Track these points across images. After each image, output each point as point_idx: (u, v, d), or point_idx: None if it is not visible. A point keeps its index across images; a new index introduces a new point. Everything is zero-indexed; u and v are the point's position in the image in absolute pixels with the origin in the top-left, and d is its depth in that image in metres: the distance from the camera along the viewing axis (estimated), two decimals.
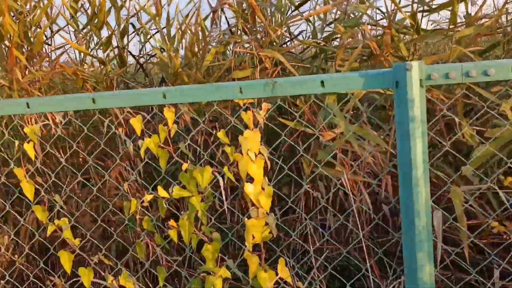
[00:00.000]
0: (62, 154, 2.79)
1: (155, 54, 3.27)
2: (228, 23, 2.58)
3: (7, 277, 1.58)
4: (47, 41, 2.85)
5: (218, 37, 2.37)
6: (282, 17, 2.40)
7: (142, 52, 3.29)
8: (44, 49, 2.95)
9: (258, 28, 2.28)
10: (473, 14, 2.08)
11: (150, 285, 2.03)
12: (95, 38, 3.00)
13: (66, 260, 1.55)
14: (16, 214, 2.09)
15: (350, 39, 1.97)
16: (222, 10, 2.46)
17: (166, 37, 2.50)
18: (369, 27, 2.73)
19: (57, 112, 2.58)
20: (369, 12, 4.91)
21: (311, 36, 2.61)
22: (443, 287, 1.94)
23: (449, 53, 1.76)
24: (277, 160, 1.39)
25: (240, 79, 2.23)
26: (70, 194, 2.56)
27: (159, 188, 1.37)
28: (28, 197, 1.54)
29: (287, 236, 2.32)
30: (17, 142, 1.55)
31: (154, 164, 1.53)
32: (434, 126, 2.25)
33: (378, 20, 2.20)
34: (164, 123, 1.70)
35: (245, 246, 1.49)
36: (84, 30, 2.83)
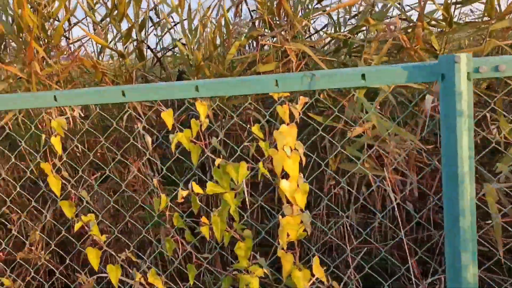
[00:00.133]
0: (80, 148, 2.76)
1: (173, 48, 3.24)
2: (251, 15, 2.53)
3: (32, 274, 1.56)
4: (64, 33, 2.82)
5: (240, 30, 2.33)
6: (305, 10, 2.35)
7: (159, 46, 3.26)
8: (61, 42, 2.92)
9: (281, 21, 2.24)
10: (504, 7, 2.02)
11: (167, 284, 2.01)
12: (114, 31, 2.97)
13: (93, 257, 1.53)
14: (38, 210, 2.07)
15: (382, 32, 1.92)
16: (245, 1, 2.41)
17: (187, 30, 2.46)
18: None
19: (77, 105, 2.56)
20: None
21: (333, 30, 2.57)
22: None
23: (484, 47, 1.71)
24: (311, 155, 1.36)
25: (264, 73, 2.19)
26: (89, 189, 2.54)
27: (193, 183, 1.34)
28: (55, 192, 1.52)
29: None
30: (43, 136, 1.53)
31: (183, 159, 1.49)
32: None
33: (408, 11, 2.15)
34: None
35: (277, 244, 1.45)
36: (103, 23, 2.80)
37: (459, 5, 2.00)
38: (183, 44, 3.21)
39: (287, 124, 1.31)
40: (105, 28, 2.73)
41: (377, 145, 2.10)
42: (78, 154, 2.78)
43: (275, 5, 2.13)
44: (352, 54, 2.54)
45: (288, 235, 1.37)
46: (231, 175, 1.35)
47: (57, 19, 2.72)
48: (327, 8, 2.27)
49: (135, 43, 2.84)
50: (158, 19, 3.19)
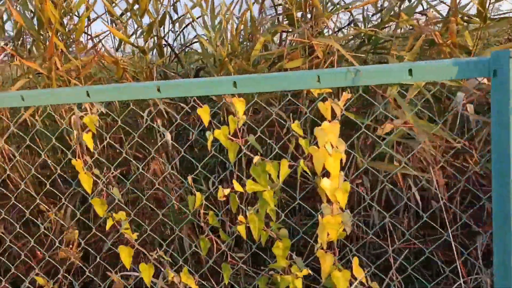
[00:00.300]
0: (98, 145, 2.74)
1: (191, 44, 3.21)
2: (275, 10, 2.51)
3: (62, 272, 1.54)
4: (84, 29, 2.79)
5: (265, 26, 2.30)
6: (332, 6, 2.32)
7: (177, 42, 3.23)
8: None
9: (306, 17, 2.21)
10: None
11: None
12: (131, 26, 2.95)
13: (126, 255, 1.51)
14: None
15: (416, 27, 1.89)
16: None
17: (210, 25, 2.44)
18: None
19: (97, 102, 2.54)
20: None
21: (361, 25, 2.53)
22: None
23: None
24: (352, 152, 1.33)
25: (291, 69, 2.16)
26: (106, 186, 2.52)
27: (234, 182, 1.32)
28: (86, 190, 1.50)
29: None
30: (75, 132, 1.50)
31: (221, 157, 1.47)
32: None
33: (436, 5, 2.11)
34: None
35: (315, 243, 1.43)
36: (122, 17, 2.77)
37: (493, 1, 1.97)
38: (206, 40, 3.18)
39: (329, 121, 1.29)
40: (125, 23, 2.71)
41: (406, 143, 2.07)
42: (97, 152, 2.76)
43: (303, 0, 2.10)
44: (376, 51, 2.51)
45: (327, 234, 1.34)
46: (271, 173, 1.32)
47: (76, 14, 2.70)
48: (355, 4, 2.23)
49: (154, 39, 2.82)
50: (176, 16, 3.17)
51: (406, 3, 2.20)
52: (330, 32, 2.50)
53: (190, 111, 2.85)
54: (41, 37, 2.61)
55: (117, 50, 3.15)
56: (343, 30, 2.55)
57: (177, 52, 3.10)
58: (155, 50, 2.85)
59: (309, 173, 1.31)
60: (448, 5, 2.08)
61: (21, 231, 1.76)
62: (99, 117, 2.72)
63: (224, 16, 2.36)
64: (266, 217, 1.37)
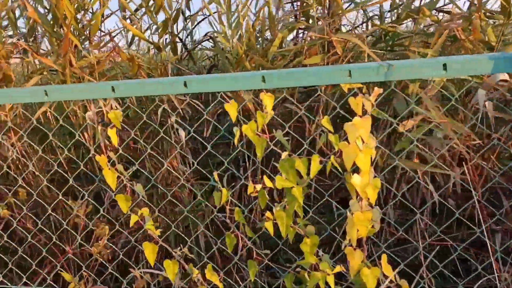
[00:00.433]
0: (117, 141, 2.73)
1: (205, 40, 3.20)
2: (293, 6, 2.49)
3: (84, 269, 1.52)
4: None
5: (284, 21, 2.29)
6: (349, 2, 2.31)
7: (189, 39, 3.22)
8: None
9: (324, 14, 2.19)
10: None
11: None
12: (148, 22, 2.94)
13: (150, 252, 1.50)
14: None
15: (441, 23, 1.87)
16: None
17: (226, 22, 2.42)
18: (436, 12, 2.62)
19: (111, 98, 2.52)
20: None
21: (377, 22, 2.52)
22: None
23: None
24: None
25: (310, 65, 2.15)
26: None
27: (265, 178, 1.30)
28: (110, 186, 1.49)
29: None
30: (99, 128, 1.49)
31: (245, 152, 1.46)
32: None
33: (456, 0, 2.09)
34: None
35: (342, 240, 1.42)
36: (136, 13, 2.76)
37: None
38: (216, 37, 3.17)
39: (361, 116, 1.27)
40: (140, 19, 2.70)
41: (425, 139, 2.05)
42: (110, 148, 2.75)
43: None
44: (393, 47, 2.49)
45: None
46: (300, 169, 1.31)
47: (90, 10, 2.69)
48: (373, 1, 2.22)
49: (168, 36, 2.81)
50: (189, 13, 3.16)
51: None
52: (347, 29, 2.48)
53: (204, 108, 2.84)
54: (56, 33, 2.60)
55: (129, 46, 3.14)
56: (357, 27, 2.53)
57: (189, 49, 3.08)
58: (168, 47, 2.84)
59: (340, 169, 1.30)
60: (469, 0, 2.06)
61: (43, 227, 1.75)
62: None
63: (241, 12, 2.35)
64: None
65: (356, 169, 1.32)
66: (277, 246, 2.32)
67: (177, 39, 2.86)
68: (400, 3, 2.55)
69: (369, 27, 2.89)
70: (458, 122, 1.89)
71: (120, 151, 1.59)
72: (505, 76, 1.96)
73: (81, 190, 1.69)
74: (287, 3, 2.73)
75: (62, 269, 1.70)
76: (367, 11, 2.63)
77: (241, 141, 2.67)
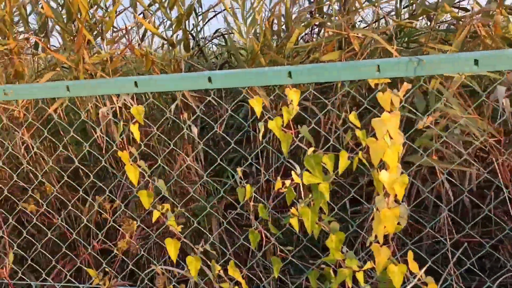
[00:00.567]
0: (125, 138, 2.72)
1: (217, 36, 3.19)
2: (309, 1, 2.48)
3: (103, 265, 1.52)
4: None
5: (301, 17, 2.27)
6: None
7: (201, 35, 3.21)
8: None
9: (343, 10, 2.18)
10: None
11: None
12: (161, 18, 2.93)
13: (172, 248, 1.49)
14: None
15: (463, 20, 1.86)
16: None
17: (241, 17, 2.42)
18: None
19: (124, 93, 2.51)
20: None
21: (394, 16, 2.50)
22: None
23: None
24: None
25: (328, 61, 2.14)
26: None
27: (293, 173, 1.30)
28: (132, 182, 1.48)
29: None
30: (121, 123, 1.49)
31: (272, 148, 1.45)
32: None
33: None
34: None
35: (368, 237, 1.41)
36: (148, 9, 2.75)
37: None
38: (230, 33, 3.16)
39: (389, 112, 1.26)
40: (154, 15, 2.69)
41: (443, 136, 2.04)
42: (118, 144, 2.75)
43: None
44: (409, 45, 2.48)
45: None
46: (327, 165, 1.30)
47: (103, 6, 2.68)
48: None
49: (179, 32, 2.79)
50: (200, 9, 3.14)
51: None
52: (361, 25, 2.47)
53: (216, 104, 2.83)
54: (69, 28, 2.59)
55: (141, 42, 3.12)
56: (374, 23, 2.52)
57: (201, 45, 3.08)
58: (180, 44, 2.82)
59: (368, 165, 1.29)
60: None
61: (63, 224, 1.74)
62: (126, 111, 2.71)
63: (256, 8, 2.34)
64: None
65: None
66: (287, 243, 2.31)
67: (190, 35, 2.85)
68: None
69: (381, 24, 2.88)
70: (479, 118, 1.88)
71: (142, 147, 1.58)
72: None
73: (103, 186, 1.68)
74: None
75: (82, 266, 1.69)
76: (382, 8, 2.61)
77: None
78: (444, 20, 2.45)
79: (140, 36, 3.08)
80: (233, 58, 2.88)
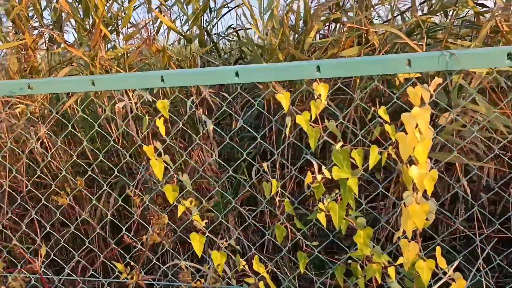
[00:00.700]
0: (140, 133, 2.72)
1: (233, 32, 3.19)
2: None
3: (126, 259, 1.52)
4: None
5: (320, 13, 2.26)
6: None
7: (215, 30, 3.21)
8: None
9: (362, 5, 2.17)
10: None
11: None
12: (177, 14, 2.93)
13: (197, 242, 1.49)
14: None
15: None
16: None
17: (259, 13, 2.41)
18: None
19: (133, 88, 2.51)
20: None
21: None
22: None
23: None
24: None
25: (348, 57, 2.12)
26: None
27: (324, 169, 1.29)
28: (157, 176, 1.48)
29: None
30: (146, 117, 1.48)
31: (299, 144, 1.44)
32: None
33: None
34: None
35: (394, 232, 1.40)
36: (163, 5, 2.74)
37: None
38: (243, 29, 3.15)
39: (420, 107, 1.25)
40: (170, 10, 2.68)
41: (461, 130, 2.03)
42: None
43: None
44: (427, 39, 2.46)
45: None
46: (356, 160, 1.29)
47: (119, 1, 2.68)
48: None
49: (195, 27, 2.79)
50: (214, 5, 3.14)
51: None
52: (379, 21, 2.46)
53: (232, 100, 2.83)
54: (85, 24, 2.59)
55: (154, 39, 3.12)
56: (394, 18, 2.51)
57: (216, 41, 3.07)
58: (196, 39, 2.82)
59: (397, 160, 1.28)
60: None
61: (87, 218, 1.74)
62: (142, 106, 2.71)
63: (273, 3, 2.33)
64: None
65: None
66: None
67: (205, 31, 2.84)
68: None
69: (397, 20, 2.87)
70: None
71: (167, 141, 1.58)
72: None
73: (128, 182, 1.68)
74: None
75: (108, 260, 1.69)
76: (398, 3, 2.59)
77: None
78: (461, 16, 2.44)
79: (155, 31, 3.07)
80: (247, 54, 2.88)
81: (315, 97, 1.37)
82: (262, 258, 1.54)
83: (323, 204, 1.36)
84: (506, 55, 1.18)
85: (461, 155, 2.28)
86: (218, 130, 2.89)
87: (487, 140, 2.03)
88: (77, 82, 1.52)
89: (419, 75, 1.29)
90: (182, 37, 2.64)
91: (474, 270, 1.34)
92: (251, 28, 3.26)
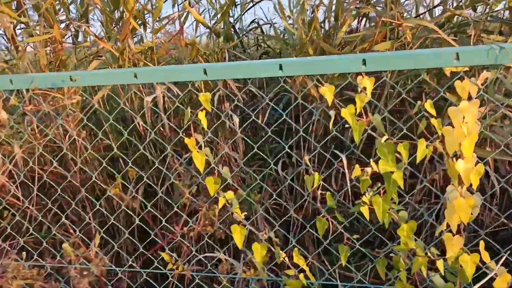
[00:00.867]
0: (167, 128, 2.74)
1: (254, 27, 3.20)
2: None
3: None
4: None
5: (352, 7, 2.26)
6: None
7: (238, 25, 3.22)
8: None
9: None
10: None
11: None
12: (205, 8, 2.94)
13: (238, 234, 1.51)
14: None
15: None
16: None
17: (288, 7, 2.42)
18: None
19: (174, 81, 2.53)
20: None
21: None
22: None
23: None
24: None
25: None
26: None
27: (372, 163, 1.30)
28: (199, 168, 1.50)
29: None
30: (188, 110, 1.50)
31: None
32: None
33: None
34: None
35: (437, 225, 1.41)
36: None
37: None
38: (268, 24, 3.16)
39: (468, 101, 1.26)
40: (198, 3, 2.69)
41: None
42: (164, 134, 2.77)
43: None
44: (457, 34, 2.46)
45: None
46: (402, 154, 1.30)
47: None
48: None
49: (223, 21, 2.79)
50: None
51: None
52: (409, 15, 2.46)
53: (257, 94, 2.83)
54: (114, 17, 2.61)
55: (178, 33, 3.13)
56: (426, 13, 2.50)
57: (241, 36, 3.08)
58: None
59: (444, 154, 1.28)
60: None
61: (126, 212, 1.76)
62: (169, 99, 2.73)
63: None
64: None
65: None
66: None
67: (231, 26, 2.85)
68: None
69: (424, 14, 2.86)
70: None
71: (209, 134, 1.59)
72: None
73: (167, 172, 1.70)
74: None
75: (159, 251, 1.71)
76: None
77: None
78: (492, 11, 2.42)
79: (182, 24, 3.08)
80: (274, 49, 2.89)
81: (359, 91, 1.38)
82: (303, 250, 1.55)
83: (366, 197, 1.37)
84: None
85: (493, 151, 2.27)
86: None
87: None
88: (120, 75, 1.54)
89: (467, 68, 1.29)
90: (210, 31, 2.65)
91: None
92: (275, 23, 3.28)
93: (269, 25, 3.37)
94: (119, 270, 1.87)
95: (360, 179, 1.34)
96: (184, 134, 1.56)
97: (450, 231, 1.34)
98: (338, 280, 1.54)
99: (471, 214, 1.34)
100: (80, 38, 3.18)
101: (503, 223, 2.14)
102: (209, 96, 1.51)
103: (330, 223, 1.44)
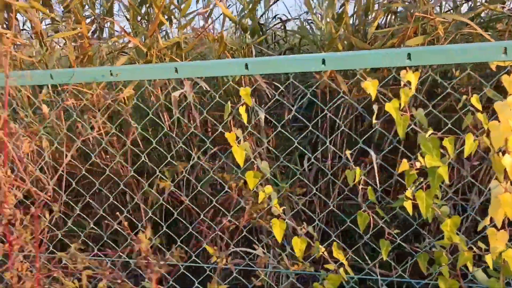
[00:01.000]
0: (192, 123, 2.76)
1: (279, 23, 3.20)
2: None
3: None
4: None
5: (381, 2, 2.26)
6: None
7: (262, 20, 3.22)
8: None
9: None
10: None
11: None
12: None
13: (278, 228, 1.52)
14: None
15: None
16: None
17: (317, 2, 2.42)
18: None
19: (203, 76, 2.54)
20: None
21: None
22: None
23: None
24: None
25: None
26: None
27: (419, 156, 1.30)
28: (239, 163, 1.51)
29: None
30: (229, 104, 1.51)
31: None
32: None
33: None
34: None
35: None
36: None
37: None
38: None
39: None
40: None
41: None
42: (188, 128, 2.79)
43: None
44: (487, 30, 2.44)
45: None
46: (448, 149, 1.30)
47: None
48: None
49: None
50: None
51: None
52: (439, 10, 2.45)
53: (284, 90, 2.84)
54: (142, 13, 2.63)
55: (203, 28, 3.15)
56: (457, 7, 2.49)
57: (265, 30, 3.09)
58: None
59: (491, 148, 1.28)
60: None
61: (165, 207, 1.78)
62: (195, 94, 2.74)
63: None
64: None
65: None
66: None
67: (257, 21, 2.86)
68: None
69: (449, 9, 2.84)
70: None
71: (250, 129, 1.60)
72: None
73: (206, 167, 1.72)
74: None
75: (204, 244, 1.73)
76: None
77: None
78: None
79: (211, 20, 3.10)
80: (301, 44, 2.89)
81: (402, 85, 1.38)
82: (343, 245, 1.56)
83: (410, 192, 1.38)
84: None
85: None
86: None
87: None
88: (161, 69, 1.56)
89: None
90: (237, 26, 2.66)
91: None
92: (299, 18, 3.28)
93: (291, 20, 3.37)
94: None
95: (405, 173, 1.34)
96: (222, 129, 1.57)
97: (494, 226, 1.34)
98: (378, 275, 1.54)
99: None
100: (105, 34, 3.21)
101: None
102: (250, 90, 1.52)
103: (371, 218, 1.45)
